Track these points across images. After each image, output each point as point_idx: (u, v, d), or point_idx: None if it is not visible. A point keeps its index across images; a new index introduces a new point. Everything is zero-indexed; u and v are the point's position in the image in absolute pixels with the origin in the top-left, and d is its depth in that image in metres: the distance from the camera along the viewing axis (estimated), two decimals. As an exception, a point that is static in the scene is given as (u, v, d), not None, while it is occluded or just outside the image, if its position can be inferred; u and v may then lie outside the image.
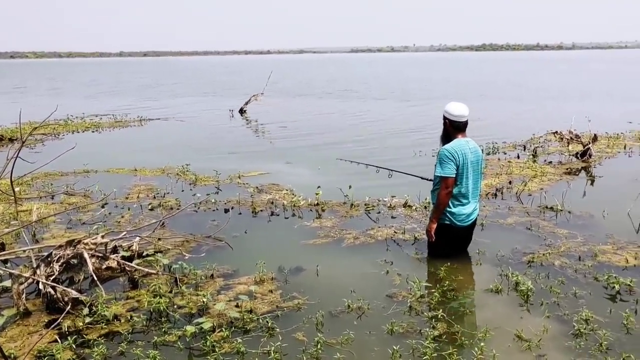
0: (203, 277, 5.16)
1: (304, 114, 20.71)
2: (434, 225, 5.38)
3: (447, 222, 5.37)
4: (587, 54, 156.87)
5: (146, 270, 5.23)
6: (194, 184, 9.03)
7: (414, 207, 7.36)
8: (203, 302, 4.57)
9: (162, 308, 4.47)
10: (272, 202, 7.73)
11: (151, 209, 7.54)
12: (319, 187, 7.88)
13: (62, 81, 49.47)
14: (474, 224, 5.57)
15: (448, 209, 5.32)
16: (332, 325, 4.27)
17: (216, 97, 28.58)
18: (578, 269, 5.24)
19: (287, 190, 8.41)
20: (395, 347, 3.81)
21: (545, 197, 7.70)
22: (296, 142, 13.75)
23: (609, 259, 5.48)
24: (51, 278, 4.68)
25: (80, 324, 4.31)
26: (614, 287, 4.75)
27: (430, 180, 5.67)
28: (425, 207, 7.25)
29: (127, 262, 5.25)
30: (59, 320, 4.32)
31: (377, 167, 8.28)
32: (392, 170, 7.96)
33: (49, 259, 4.84)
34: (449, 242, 5.47)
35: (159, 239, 6.15)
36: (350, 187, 7.84)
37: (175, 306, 4.61)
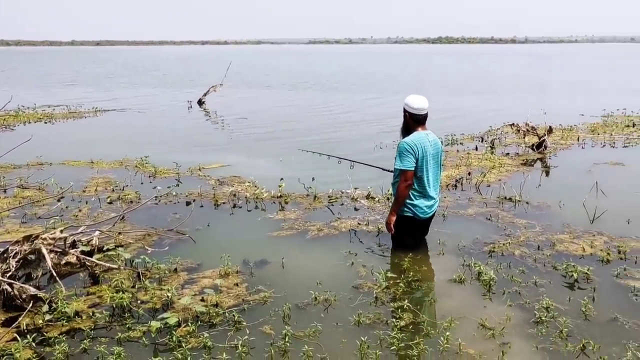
0: (166, 271, 5.08)
1: (263, 105, 20.61)
2: (393, 218, 5.43)
3: (409, 214, 5.42)
4: (539, 48, 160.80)
5: (107, 265, 5.12)
6: (154, 177, 8.87)
7: (376, 199, 7.41)
8: (167, 296, 4.50)
9: (125, 303, 4.38)
10: (235, 195, 7.66)
11: (110, 203, 7.38)
12: (281, 179, 7.86)
13: (11, 70, 47.78)
14: (433, 215, 5.66)
15: (409, 201, 5.37)
16: (299, 318, 4.27)
17: (173, 88, 28.09)
18: (537, 258, 5.37)
19: (249, 182, 8.35)
20: (363, 338, 3.83)
21: (504, 188, 7.86)
22: (257, 134, 13.66)
23: (567, 248, 5.64)
24: (8, 275, 4.52)
25: (40, 321, 4.19)
26: (572, 275, 4.89)
27: (391, 171, 5.72)
28: (388, 199, 7.31)
29: (87, 257, 5.13)
30: (19, 320, 4.17)
31: (339, 158, 8.29)
32: (354, 161, 7.98)
33: (4, 255, 4.68)
34: (412, 234, 5.54)
35: (120, 233, 6.02)
36: (313, 179, 7.85)
37: (138, 301, 4.53)
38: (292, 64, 61.43)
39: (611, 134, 12.54)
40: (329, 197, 7.53)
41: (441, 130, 12.00)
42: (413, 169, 5.25)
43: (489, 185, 8.12)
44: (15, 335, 3.98)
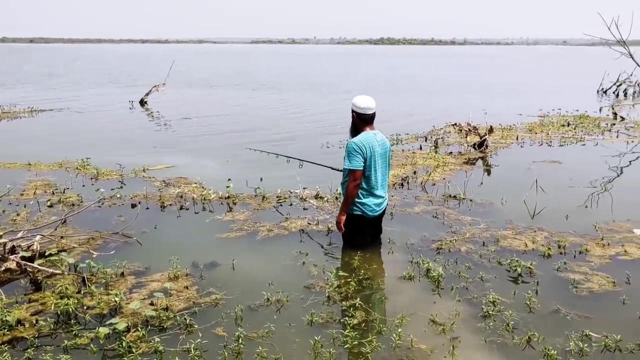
0: (113, 276, 4.94)
1: (208, 105, 20.35)
2: (343, 217, 5.49)
3: (359, 213, 5.49)
4: (478, 49, 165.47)
5: (50, 270, 4.94)
6: (96, 179, 8.61)
7: (325, 198, 7.44)
8: (115, 301, 4.38)
9: (70, 310, 4.24)
10: (181, 196, 7.53)
11: (50, 206, 7.12)
12: (229, 179, 7.78)
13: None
14: (383, 213, 5.74)
15: (358, 200, 5.44)
16: (252, 319, 4.24)
17: (114, 88, 27.34)
18: (483, 254, 5.53)
19: (196, 183, 8.22)
20: (316, 338, 3.85)
21: (449, 186, 8.04)
22: (202, 134, 13.48)
23: (510, 243, 5.82)
24: (-58, 283, 4.30)
25: (-21, 331, 4.00)
26: (516, 270, 5.07)
27: (341, 170, 5.77)
28: (337, 198, 7.35)
29: (28, 263, 4.94)
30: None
31: (288, 157, 8.27)
32: (303, 160, 7.99)
33: (-62, 262, 4.45)
34: (362, 232, 5.60)
35: (62, 237, 5.81)
36: (261, 179, 7.81)
37: (84, 307, 4.38)
38: (236, 63, 60.90)
39: (548, 133, 13.04)
40: (277, 197, 7.51)
41: (386, 130, 12.08)
42: (361, 168, 5.31)
43: (434, 184, 8.30)
44: (-47, 346, 3.79)
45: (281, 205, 7.24)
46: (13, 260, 4.88)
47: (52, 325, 4.10)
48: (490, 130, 11.46)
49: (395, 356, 3.76)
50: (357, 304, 4.42)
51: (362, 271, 5.06)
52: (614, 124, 14.94)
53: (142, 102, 19.84)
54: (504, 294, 4.62)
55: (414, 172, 8.94)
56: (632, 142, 12.25)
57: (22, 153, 10.31)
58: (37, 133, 13.82)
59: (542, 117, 16.15)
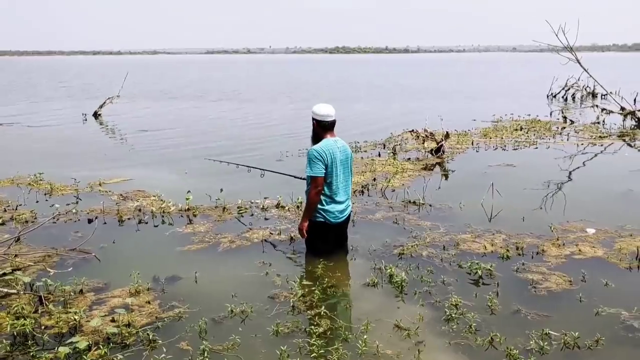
0: (72, 293, 4.81)
1: (164, 116, 20.10)
2: (305, 224, 5.51)
3: (321, 220, 5.50)
4: (431, 57, 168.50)
5: (4, 290, 4.78)
6: (50, 194, 8.38)
7: (286, 208, 7.43)
8: (75, 319, 4.27)
9: (27, 330, 4.10)
10: (140, 210, 7.40)
11: (2, 224, 6.89)
12: (189, 191, 7.69)
13: None
14: (347, 220, 5.77)
15: (321, 207, 5.46)
16: (217, 332, 4.20)
17: (66, 101, 26.68)
18: (444, 258, 5.61)
19: (154, 196, 8.08)
20: (282, 348, 3.83)
21: (408, 192, 8.14)
22: (159, 146, 13.30)
23: (470, 246, 5.93)
24: None
25: None
26: (477, 272, 5.16)
27: (303, 179, 5.78)
28: (298, 207, 7.35)
29: (-19, 284, 4.76)
30: None
31: (248, 167, 8.23)
32: (264, 169, 7.95)
33: None
34: (326, 240, 5.61)
35: (16, 255, 5.64)
36: (221, 190, 7.75)
37: (42, 327, 4.25)
38: (192, 74, 60.36)
39: (502, 138, 13.36)
40: (238, 207, 7.46)
41: (344, 138, 12.23)
42: (323, 175, 5.34)
43: (394, 190, 8.39)
44: None
45: (242, 215, 7.20)
46: (-36, 281, 4.71)
47: (8, 347, 3.96)
48: (447, 136, 11.67)
49: (362, 363, 3.78)
50: (322, 312, 4.42)
51: (326, 279, 5.07)
52: (564, 127, 15.42)
53: (96, 115, 19.44)
54: (465, 297, 4.70)
55: (374, 179, 9.02)
56: (582, 144, 12.66)
57: (-29, 170, 9.96)
58: (-14, 149, 13.37)
59: (496, 122, 16.53)
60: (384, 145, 12.49)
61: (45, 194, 8.39)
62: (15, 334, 4.13)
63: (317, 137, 5.53)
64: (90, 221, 7.00)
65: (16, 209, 7.51)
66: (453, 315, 4.35)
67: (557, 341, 3.99)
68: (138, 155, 12.20)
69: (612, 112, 17.30)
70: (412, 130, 12.18)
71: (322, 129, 5.49)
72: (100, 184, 8.87)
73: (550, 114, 18.86)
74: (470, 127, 15.31)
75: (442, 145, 11.22)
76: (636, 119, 15.98)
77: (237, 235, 6.36)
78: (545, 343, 3.92)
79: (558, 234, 6.28)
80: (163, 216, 7.20)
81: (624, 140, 13.32)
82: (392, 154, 11.36)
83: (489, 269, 5.20)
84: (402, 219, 6.93)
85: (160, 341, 4.03)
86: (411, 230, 6.52)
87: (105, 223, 6.96)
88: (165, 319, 4.39)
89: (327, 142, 5.44)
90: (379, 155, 11.34)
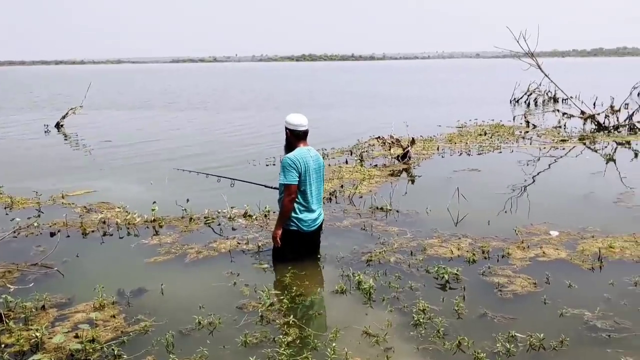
0: (33, 310, 4.68)
1: (129, 126, 19.82)
2: (279, 231, 5.52)
3: (294, 228, 5.51)
4: (397, 64, 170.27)
5: (-38, 308, 4.63)
6: (10, 208, 8.17)
7: (254, 217, 7.39)
8: (36, 336, 4.16)
9: (-14, 349, 3.99)
10: (104, 222, 7.27)
11: (-40, 239, 6.69)
12: (154, 202, 7.57)
13: None
14: (319, 228, 5.78)
15: (295, 215, 5.47)
16: (184, 345, 4.13)
17: (26, 112, 26.07)
18: (411, 263, 5.65)
19: (119, 208, 7.95)
20: (251, 358, 3.80)
21: (375, 198, 8.18)
22: (123, 157, 13.08)
23: (437, 251, 5.99)
24: None
25: None
26: (444, 277, 5.20)
27: (273, 187, 5.77)
28: (266, 216, 7.33)
29: (-63, 302, 4.60)
30: None
31: (218, 176, 8.13)
32: (234, 179, 7.86)
33: None
34: (296, 247, 5.60)
35: (-25, 272, 5.47)
36: (188, 200, 7.66)
37: (2, 345, 4.13)
38: (157, 83, 59.70)
39: (466, 143, 13.55)
40: (205, 217, 7.39)
41: (311, 145, 12.25)
42: (296, 183, 5.37)
43: (361, 197, 8.42)
44: None
45: (209, 226, 7.13)
46: None
47: (-34, 368, 3.85)
48: (412, 142, 11.78)
49: (331, 371, 3.77)
50: (290, 321, 4.40)
51: (295, 288, 5.05)
52: (527, 132, 15.74)
53: (58, 126, 19.03)
54: (433, 302, 4.73)
55: (341, 186, 9.04)
56: (544, 148, 12.94)
57: None
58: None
59: (460, 128, 16.77)
60: (351, 152, 12.54)
61: (5, 208, 8.17)
62: (-26, 353, 4.01)
63: (290, 146, 5.57)
64: (52, 235, 6.85)
65: (-25, 224, 7.29)
66: (421, 320, 4.38)
67: (523, 343, 4.05)
68: (102, 166, 11.98)
69: (572, 116, 17.71)
70: (379, 137, 12.28)
71: (295, 138, 5.54)
72: (62, 197, 8.67)
73: (514, 119, 19.22)
74: (435, 132, 15.51)
75: (408, 152, 11.32)
76: (596, 123, 16.40)
77: (204, 246, 6.30)
78: (512, 345, 3.97)
79: (523, 236, 6.38)
80: (128, 228, 7.08)
81: (585, 144, 13.66)
82: (359, 160, 11.41)
83: (456, 274, 5.25)
84: (370, 226, 6.96)
85: (125, 356, 3.95)
86: (379, 236, 6.55)
87: (68, 236, 6.81)
88: (131, 333, 4.30)
89: (301, 150, 5.47)
90: (346, 162, 11.38)
